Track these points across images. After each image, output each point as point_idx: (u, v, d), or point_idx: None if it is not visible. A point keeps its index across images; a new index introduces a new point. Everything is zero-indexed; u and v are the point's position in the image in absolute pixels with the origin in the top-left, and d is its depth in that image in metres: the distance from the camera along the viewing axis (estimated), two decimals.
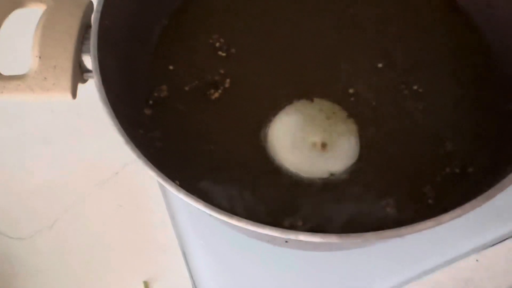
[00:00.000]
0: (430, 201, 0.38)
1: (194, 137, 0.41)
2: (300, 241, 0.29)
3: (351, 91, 0.42)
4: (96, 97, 0.37)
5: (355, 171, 0.39)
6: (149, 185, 0.50)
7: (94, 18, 0.36)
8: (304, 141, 0.40)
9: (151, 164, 0.31)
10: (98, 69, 0.34)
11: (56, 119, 0.55)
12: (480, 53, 0.44)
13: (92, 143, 0.52)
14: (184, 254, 0.48)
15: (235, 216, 0.28)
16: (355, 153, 0.40)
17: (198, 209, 0.30)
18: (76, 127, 0.54)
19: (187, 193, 0.29)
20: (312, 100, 0.42)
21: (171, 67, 0.44)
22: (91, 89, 0.36)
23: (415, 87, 0.42)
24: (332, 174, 0.39)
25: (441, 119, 0.41)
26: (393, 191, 0.38)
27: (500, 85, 0.42)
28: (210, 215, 0.30)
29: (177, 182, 0.34)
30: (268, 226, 0.27)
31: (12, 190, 0.51)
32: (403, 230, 0.27)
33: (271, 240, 0.39)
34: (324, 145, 0.40)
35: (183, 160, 0.40)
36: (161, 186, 0.50)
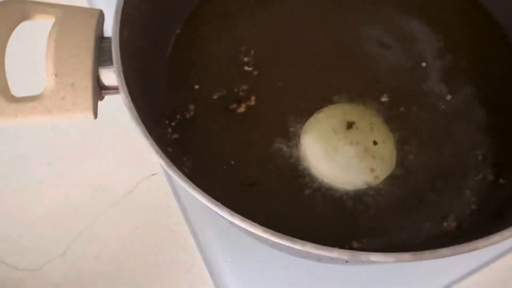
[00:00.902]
0: (473, 206, 0.37)
1: (221, 153, 0.39)
2: (365, 260, 0.26)
3: (383, 99, 0.40)
4: (103, 113, 0.34)
5: (392, 181, 0.38)
6: (165, 202, 0.47)
7: (113, 29, 0.33)
8: (339, 149, 0.38)
9: (202, 192, 0.28)
10: (124, 84, 0.31)
11: (58, 138, 0.51)
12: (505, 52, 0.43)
13: (99, 162, 0.49)
14: (211, 273, 0.45)
15: (299, 241, 0.25)
16: (392, 161, 0.38)
17: (238, 229, 0.27)
18: (80, 145, 0.51)
19: (242, 218, 0.26)
20: (344, 105, 0.40)
21: (194, 83, 0.41)
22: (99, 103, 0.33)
23: (448, 97, 0.41)
24: (368, 185, 0.37)
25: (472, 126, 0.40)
26: (436, 200, 0.37)
27: None
28: (266, 240, 0.27)
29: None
30: (337, 249, 0.25)
31: (18, 218, 0.47)
32: (479, 243, 0.26)
33: (326, 260, 0.37)
34: (364, 153, 0.38)
35: (214, 178, 0.37)
36: (180, 203, 0.47)
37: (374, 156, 0.38)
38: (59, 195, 0.49)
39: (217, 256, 0.45)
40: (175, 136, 0.39)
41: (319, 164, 0.38)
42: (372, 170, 0.37)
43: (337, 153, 0.38)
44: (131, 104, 0.30)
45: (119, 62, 0.32)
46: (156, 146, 0.29)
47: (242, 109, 0.40)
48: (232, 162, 0.38)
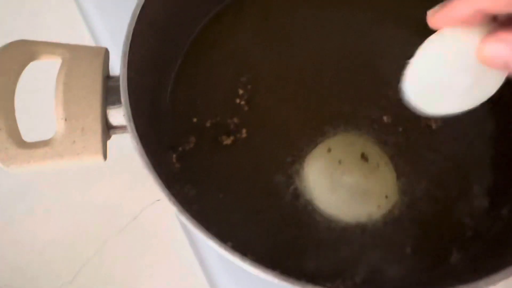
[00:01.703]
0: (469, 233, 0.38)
1: (220, 183, 0.39)
2: None
3: (375, 126, 0.41)
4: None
5: (393, 213, 0.38)
6: (171, 227, 0.48)
7: (121, 72, 0.34)
8: (341, 182, 0.39)
9: (206, 230, 0.29)
10: (133, 127, 0.32)
11: None
12: None
13: (106, 187, 0.50)
14: None
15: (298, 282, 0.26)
16: (395, 194, 0.39)
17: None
18: (86, 171, 0.51)
19: (243, 257, 0.27)
20: (345, 136, 0.40)
21: (193, 115, 0.42)
22: None
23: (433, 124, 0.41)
24: (371, 218, 0.38)
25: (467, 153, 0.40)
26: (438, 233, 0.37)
27: None
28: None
29: (230, 243, 0.32)
30: None
31: (27, 244, 0.48)
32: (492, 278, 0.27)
33: None
34: (367, 186, 0.38)
35: (216, 207, 0.38)
36: (186, 230, 0.48)
37: (377, 188, 0.38)
38: (67, 220, 0.50)
39: (223, 281, 0.45)
40: (179, 166, 0.40)
41: (322, 196, 0.38)
42: (375, 202, 0.38)
43: (340, 185, 0.39)
44: (140, 147, 0.31)
45: (128, 105, 0.33)
46: (164, 187, 0.29)
47: (229, 141, 0.40)
48: (230, 192, 0.39)
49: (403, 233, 0.37)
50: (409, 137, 0.40)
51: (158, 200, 0.48)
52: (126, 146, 0.33)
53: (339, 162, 0.39)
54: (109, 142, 0.36)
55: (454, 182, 0.39)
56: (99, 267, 0.48)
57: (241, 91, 0.42)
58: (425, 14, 0.26)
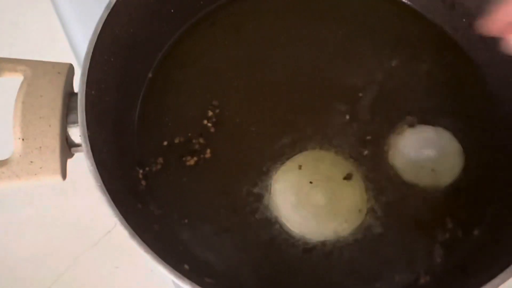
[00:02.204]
0: (439, 259, 0.37)
1: (185, 206, 0.39)
2: None
3: (345, 140, 0.40)
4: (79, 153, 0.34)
5: (363, 232, 0.38)
6: None
7: (79, 91, 0.33)
8: (308, 200, 0.38)
9: (156, 255, 0.28)
10: (90, 151, 0.31)
11: None
12: (478, 89, 0.43)
13: (79, 201, 0.50)
14: None
15: None
16: (362, 211, 0.38)
17: None
18: (59, 184, 0.51)
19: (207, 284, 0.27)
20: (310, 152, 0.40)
21: (161, 134, 0.41)
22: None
23: None
24: (338, 235, 0.37)
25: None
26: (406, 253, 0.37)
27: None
28: None
29: (186, 266, 0.32)
30: None
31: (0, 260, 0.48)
32: None
33: None
34: (327, 203, 0.38)
35: (182, 227, 0.38)
36: None
37: (344, 205, 0.38)
38: (41, 235, 0.50)
39: None
40: (145, 184, 0.39)
41: (289, 214, 0.38)
42: (341, 219, 0.37)
43: (307, 203, 0.38)
44: (94, 168, 0.31)
45: (84, 124, 0.32)
46: (120, 216, 0.29)
47: (192, 161, 0.39)
48: (195, 212, 0.38)
49: (371, 252, 0.36)
50: (378, 151, 0.40)
51: None
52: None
53: (308, 178, 0.38)
54: (80, 156, 0.35)
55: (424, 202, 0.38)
56: (71, 284, 0.48)
57: (210, 112, 0.41)
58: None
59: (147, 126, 0.41)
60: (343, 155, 0.39)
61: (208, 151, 0.40)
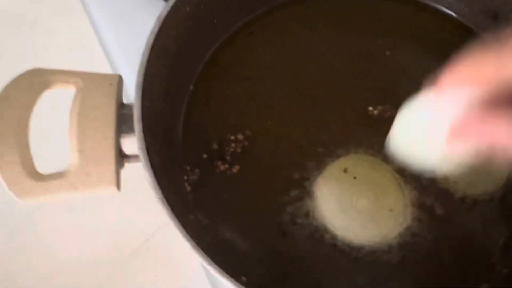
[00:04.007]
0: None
1: (230, 215, 0.39)
2: None
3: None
4: None
5: (407, 236, 0.38)
6: (183, 251, 0.48)
7: (136, 103, 0.34)
8: (352, 203, 0.38)
9: (217, 266, 0.29)
10: (147, 158, 0.32)
11: None
12: None
13: (117, 209, 0.50)
14: None
15: None
16: (407, 214, 0.38)
17: None
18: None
19: None
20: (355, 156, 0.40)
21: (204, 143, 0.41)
22: None
23: None
24: (383, 239, 0.37)
25: None
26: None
27: None
28: None
29: (244, 278, 0.32)
30: None
31: (38, 269, 0.48)
32: None
33: None
34: (379, 206, 0.38)
35: (231, 244, 0.38)
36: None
37: (390, 210, 0.38)
38: (79, 244, 0.50)
39: None
40: (192, 194, 0.40)
41: (334, 219, 0.38)
42: (386, 223, 0.37)
43: (352, 207, 0.38)
44: (154, 180, 0.31)
45: (142, 135, 0.33)
46: (181, 228, 0.29)
47: (234, 169, 0.40)
48: (240, 221, 0.38)
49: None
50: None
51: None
52: (139, 167, 0.33)
53: (352, 181, 0.38)
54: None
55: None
56: None
57: (248, 120, 0.42)
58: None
59: (191, 135, 0.42)
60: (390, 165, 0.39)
61: (248, 158, 0.40)
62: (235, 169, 0.40)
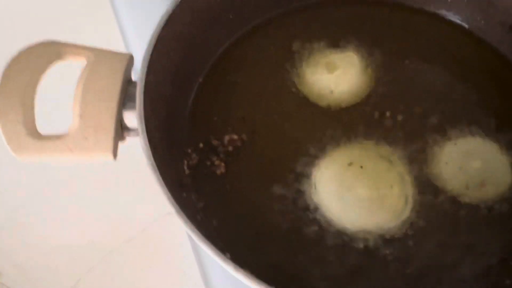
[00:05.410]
0: None
1: (227, 199, 0.39)
2: None
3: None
4: (126, 150, 0.34)
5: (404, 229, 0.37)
6: (179, 243, 0.47)
7: (140, 75, 0.34)
8: (352, 192, 0.37)
9: (205, 239, 0.28)
10: (144, 130, 0.32)
11: (83, 170, 0.53)
12: None
13: (119, 196, 0.50)
14: None
15: None
16: (407, 205, 0.37)
17: None
18: (102, 178, 0.52)
19: (246, 273, 0.26)
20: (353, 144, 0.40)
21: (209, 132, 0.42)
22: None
23: None
24: (382, 229, 0.36)
25: None
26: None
27: None
28: None
29: (228, 254, 0.31)
30: None
31: (36, 246, 0.48)
32: None
33: None
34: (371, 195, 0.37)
35: (226, 227, 0.37)
36: (193, 246, 0.47)
37: (388, 199, 0.37)
38: (79, 226, 0.50)
39: None
40: (189, 176, 0.39)
41: (332, 205, 0.37)
42: (386, 212, 0.36)
43: (351, 194, 0.37)
44: (148, 148, 0.31)
45: (142, 105, 0.33)
46: (169, 194, 0.29)
47: (234, 158, 0.40)
48: (238, 205, 0.38)
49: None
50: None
51: (169, 213, 0.47)
52: (141, 156, 0.33)
53: (356, 169, 0.38)
54: (124, 152, 0.36)
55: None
56: (102, 276, 0.47)
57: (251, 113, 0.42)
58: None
59: (197, 123, 0.42)
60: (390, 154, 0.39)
61: (251, 147, 0.40)
62: (238, 159, 0.40)
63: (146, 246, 0.49)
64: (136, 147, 0.40)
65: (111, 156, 0.34)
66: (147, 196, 0.38)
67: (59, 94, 0.43)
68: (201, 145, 0.40)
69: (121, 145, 0.36)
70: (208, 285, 0.45)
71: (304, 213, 0.37)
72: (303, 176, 0.39)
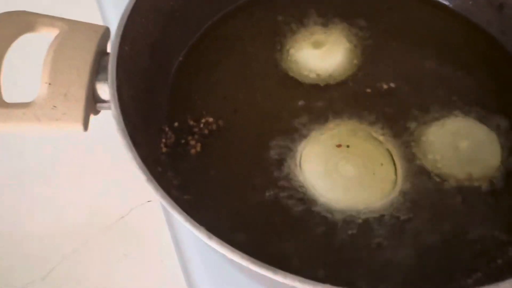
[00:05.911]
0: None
1: (209, 177, 0.37)
2: None
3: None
4: (105, 133, 0.33)
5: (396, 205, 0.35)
6: (157, 231, 0.45)
7: (113, 43, 0.33)
8: (338, 168, 0.36)
9: (178, 207, 0.26)
10: (116, 97, 0.30)
11: (57, 157, 0.51)
12: None
13: (96, 183, 0.48)
14: None
15: (280, 271, 0.23)
16: (395, 184, 0.36)
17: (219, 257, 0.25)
18: (78, 165, 0.50)
19: (220, 241, 0.24)
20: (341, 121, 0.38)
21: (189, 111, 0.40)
22: (100, 125, 0.32)
23: None
24: (370, 208, 0.35)
25: None
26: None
27: None
28: (239, 265, 0.25)
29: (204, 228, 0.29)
30: (322, 285, 0.23)
31: (8, 235, 0.46)
32: None
33: None
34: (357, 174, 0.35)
35: (204, 206, 0.35)
36: (173, 235, 0.45)
37: (374, 178, 0.35)
38: (52, 214, 0.48)
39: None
40: (165, 153, 0.38)
41: (317, 182, 0.36)
42: (372, 191, 0.35)
43: (337, 172, 0.36)
44: (119, 116, 0.30)
45: (114, 75, 0.31)
46: (139, 161, 0.27)
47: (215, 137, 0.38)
48: (217, 183, 0.36)
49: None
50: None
51: (149, 201, 0.45)
52: (120, 142, 0.31)
53: (343, 148, 0.36)
54: (102, 138, 0.34)
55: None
56: (75, 266, 0.45)
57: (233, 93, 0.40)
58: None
59: (177, 101, 0.40)
60: (378, 133, 0.37)
61: (234, 128, 0.39)
62: (216, 140, 0.38)
63: (123, 235, 0.46)
64: (114, 132, 0.38)
65: (81, 127, 0.32)
66: (124, 184, 0.36)
67: (29, 63, 0.41)
68: (176, 123, 0.39)
69: (100, 131, 0.34)
70: (187, 274, 0.43)
71: (289, 192, 0.36)
72: (287, 155, 0.37)
